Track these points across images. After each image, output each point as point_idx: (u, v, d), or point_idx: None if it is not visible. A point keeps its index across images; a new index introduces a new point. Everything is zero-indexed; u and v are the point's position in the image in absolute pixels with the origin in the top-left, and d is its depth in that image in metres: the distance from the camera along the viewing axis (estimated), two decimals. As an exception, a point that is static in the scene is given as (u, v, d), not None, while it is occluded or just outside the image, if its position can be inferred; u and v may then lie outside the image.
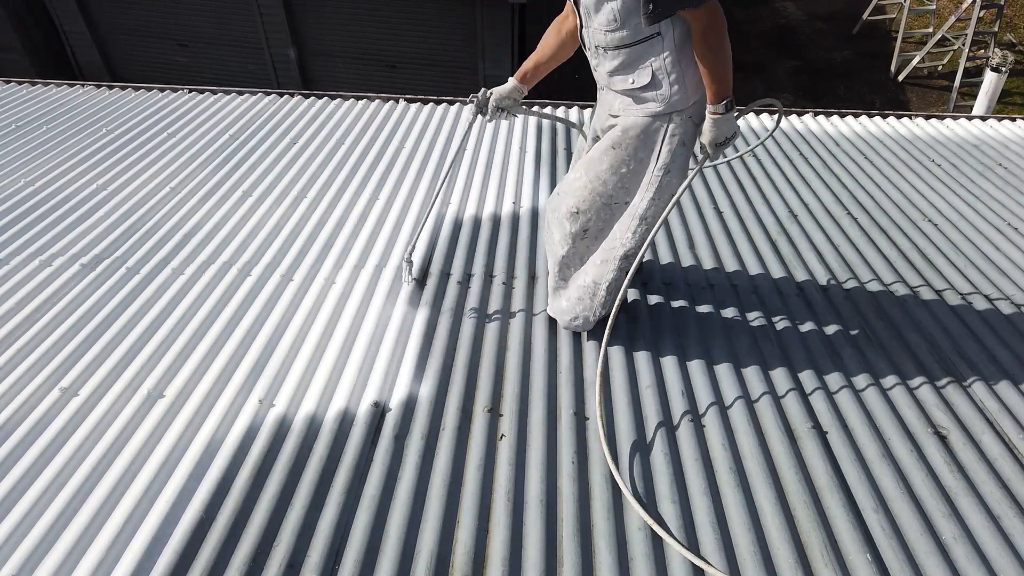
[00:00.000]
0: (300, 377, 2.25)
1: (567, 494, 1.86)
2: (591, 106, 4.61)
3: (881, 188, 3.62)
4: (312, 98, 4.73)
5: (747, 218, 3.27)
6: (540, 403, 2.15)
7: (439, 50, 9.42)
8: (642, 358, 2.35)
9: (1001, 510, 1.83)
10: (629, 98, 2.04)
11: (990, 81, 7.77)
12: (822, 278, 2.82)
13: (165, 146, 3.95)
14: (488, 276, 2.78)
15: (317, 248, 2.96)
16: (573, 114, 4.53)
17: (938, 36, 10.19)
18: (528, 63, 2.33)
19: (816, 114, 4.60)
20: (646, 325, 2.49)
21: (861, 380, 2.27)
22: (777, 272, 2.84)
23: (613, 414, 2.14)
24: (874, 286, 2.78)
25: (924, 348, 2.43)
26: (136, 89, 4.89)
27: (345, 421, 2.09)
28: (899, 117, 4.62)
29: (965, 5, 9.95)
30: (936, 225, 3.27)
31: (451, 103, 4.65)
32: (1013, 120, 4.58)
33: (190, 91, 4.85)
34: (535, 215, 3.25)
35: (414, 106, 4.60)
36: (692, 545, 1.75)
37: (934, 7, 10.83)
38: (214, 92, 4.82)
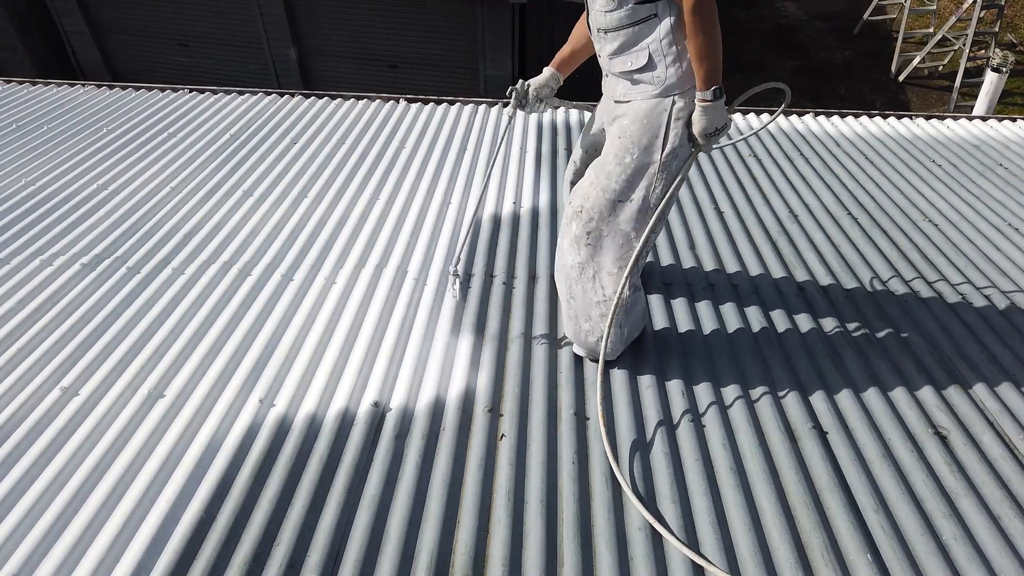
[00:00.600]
0: (300, 377, 2.25)
1: (567, 494, 1.86)
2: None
3: (882, 188, 3.62)
4: (313, 98, 4.73)
5: (747, 218, 3.27)
6: (540, 403, 2.15)
7: (439, 50, 9.43)
8: (642, 359, 2.35)
9: (1001, 510, 1.83)
10: (628, 81, 2.01)
11: (991, 81, 7.77)
12: (823, 278, 2.82)
13: (166, 146, 3.95)
14: (488, 276, 2.78)
15: (317, 248, 2.96)
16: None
17: (939, 36, 10.19)
18: (563, 51, 2.32)
19: (817, 114, 4.60)
20: (646, 325, 2.49)
21: (861, 380, 2.27)
22: (778, 272, 2.84)
23: (613, 414, 2.14)
24: (875, 286, 2.78)
25: (924, 348, 2.43)
26: (136, 89, 4.89)
27: (345, 421, 2.09)
28: (899, 117, 4.62)
29: (966, 5, 9.95)
30: (937, 225, 3.27)
31: (451, 103, 4.65)
32: (1014, 120, 4.57)
33: (190, 91, 4.85)
34: (535, 215, 3.25)
35: (415, 106, 4.60)
36: (693, 545, 1.75)
37: (935, 7, 10.83)
38: (214, 92, 4.82)
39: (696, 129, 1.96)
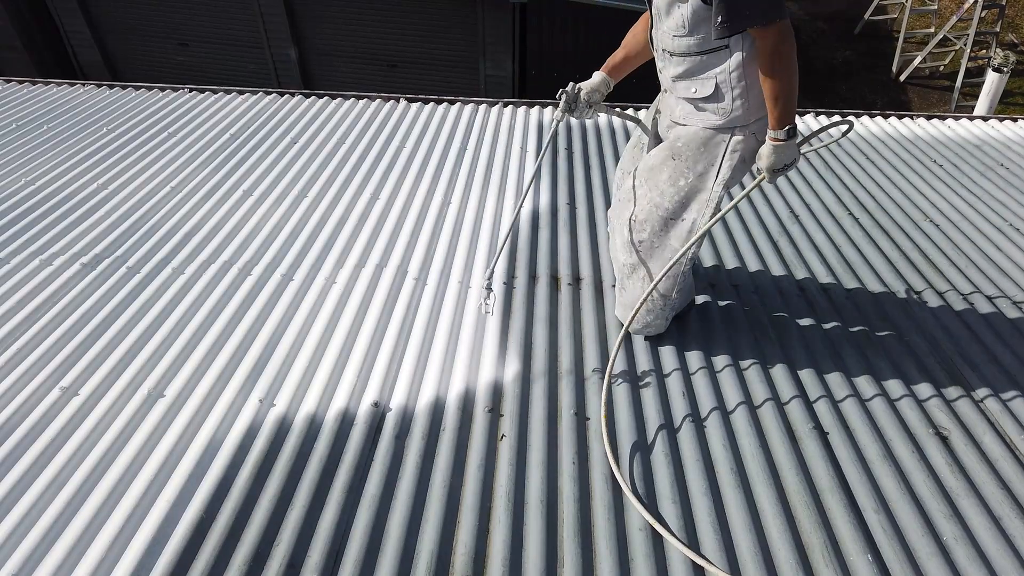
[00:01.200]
0: (300, 377, 2.24)
1: (567, 494, 1.86)
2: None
3: (883, 188, 3.62)
4: (313, 98, 4.73)
5: (748, 218, 3.27)
6: (540, 403, 2.14)
7: (440, 50, 9.43)
8: (643, 358, 2.34)
9: (1002, 511, 1.83)
10: (691, 106, 2.01)
11: (992, 81, 7.76)
12: (824, 278, 2.81)
13: (166, 145, 3.95)
14: (489, 277, 2.77)
15: (318, 248, 2.96)
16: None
17: (939, 36, 10.19)
18: (616, 56, 2.28)
19: (817, 114, 4.59)
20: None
21: (862, 381, 2.26)
22: (779, 272, 2.84)
23: (614, 414, 2.13)
24: (876, 286, 2.78)
25: (925, 349, 2.42)
26: (137, 88, 4.89)
27: (345, 421, 2.09)
28: (900, 117, 4.61)
29: (967, 5, 9.94)
30: (938, 225, 3.27)
31: (452, 103, 4.65)
32: (1015, 120, 4.57)
33: (191, 91, 4.85)
34: (536, 216, 3.24)
35: (415, 106, 4.60)
36: (693, 546, 1.75)
37: (935, 7, 10.83)
38: (215, 91, 4.82)
39: (764, 164, 1.95)
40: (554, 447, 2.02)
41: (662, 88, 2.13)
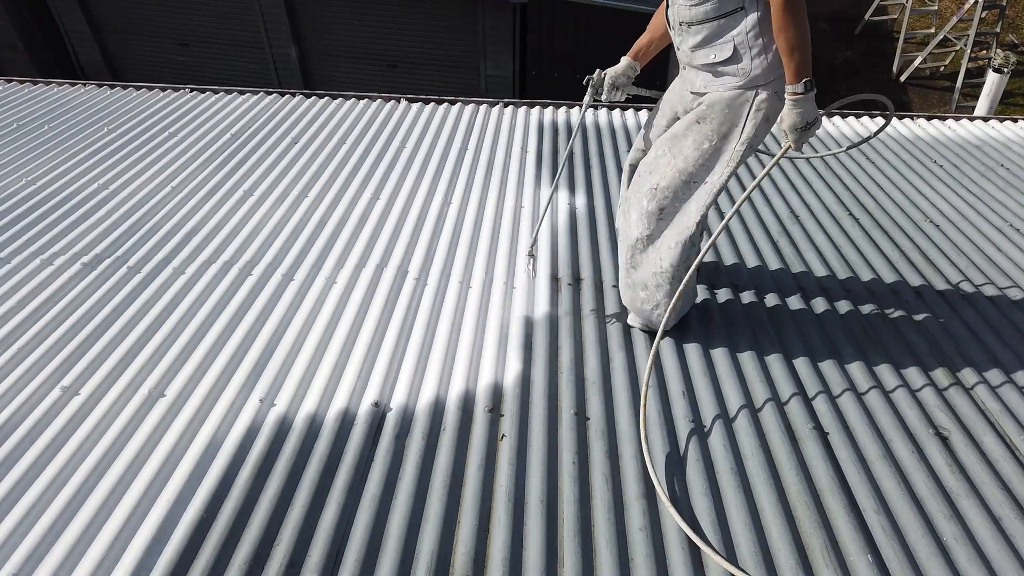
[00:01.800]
0: (301, 377, 2.24)
1: (568, 494, 1.86)
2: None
3: (883, 189, 3.62)
4: (313, 98, 4.73)
5: (748, 218, 3.27)
6: (541, 403, 2.14)
7: (440, 50, 9.44)
8: (642, 358, 2.34)
9: (1003, 511, 1.83)
10: (710, 73, 2.06)
11: (992, 82, 7.76)
12: (824, 279, 2.81)
13: (166, 145, 3.95)
14: (489, 279, 2.78)
15: (318, 248, 2.96)
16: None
17: (940, 37, 10.18)
18: (641, 41, 2.36)
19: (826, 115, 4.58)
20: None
21: (862, 381, 2.26)
22: (778, 272, 2.84)
23: (614, 415, 2.14)
24: (876, 286, 2.78)
25: (925, 349, 2.42)
26: (137, 88, 4.89)
27: (346, 421, 2.09)
28: (901, 118, 4.61)
29: (967, 6, 9.94)
30: (938, 226, 3.27)
31: (452, 103, 4.65)
32: (1015, 121, 4.57)
33: (191, 90, 4.85)
34: (536, 216, 3.24)
35: (415, 106, 4.60)
36: (693, 546, 1.75)
37: (936, 8, 10.82)
38: (215, 91, 4.82)
39: (787, 124, 1.95)
40: (554, 447, 2.02)
41: (681, 65, 2.17)
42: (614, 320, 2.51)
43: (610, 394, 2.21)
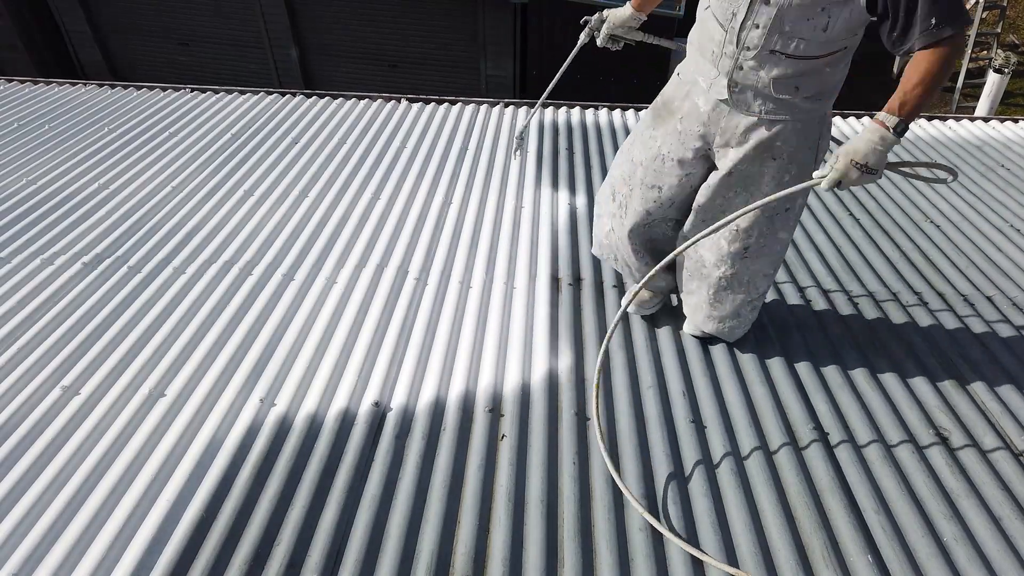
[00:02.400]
0: (301, 377, 2.24)
1: (568, 494, 1.86)
2: (592, 105, 4.61)
3: (883, 189, 3.62)
4: (314, 97, 4.73)
5: (749, 219, 3.26)
6: (541, 403, 2.14)
7: (441, 50, 9.44)
8: (643, 359, 2.34)
9: (1003, 511, 1.83)
10: (778, 103, 1.82)
11: (992, 82, 7.76)
12: (824, 279, 2.81)
13: (167, 145, 3.95)
14: (490, 280, 2.78)
15: (319, 248, 2.96)
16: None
17: (940, 37, 10.16)
18: None
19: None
20: (646, 326, 2.49)
21: (862, 381, 2.26)
22: (778, 273, 2.84)
23: (614, 415, 2.13)
24: (876, 287, 2.77)
25: (925, 349, 2.42)
26: (138, 88, 4.89)
27: (346, 421, 2.09)
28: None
29: (968, 6, 9.94)
30: (938, 226, 3.26)
31: (452, 103, 4.65)
32: (1016, 122, 4.57)
33: (192, 90, 4.85)
34: (536, 216, 3.24)
35: (416, 106, 4.60)
36: (693, 546, 1.75)
37: (936, 8, 10.80)
38: (216, 91, 4.82)
39: (855, 153, 1.67)
40: (554, 447, 2.02)
41: (724, 74, 1.83)
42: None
43: (610, 394, 2.21)
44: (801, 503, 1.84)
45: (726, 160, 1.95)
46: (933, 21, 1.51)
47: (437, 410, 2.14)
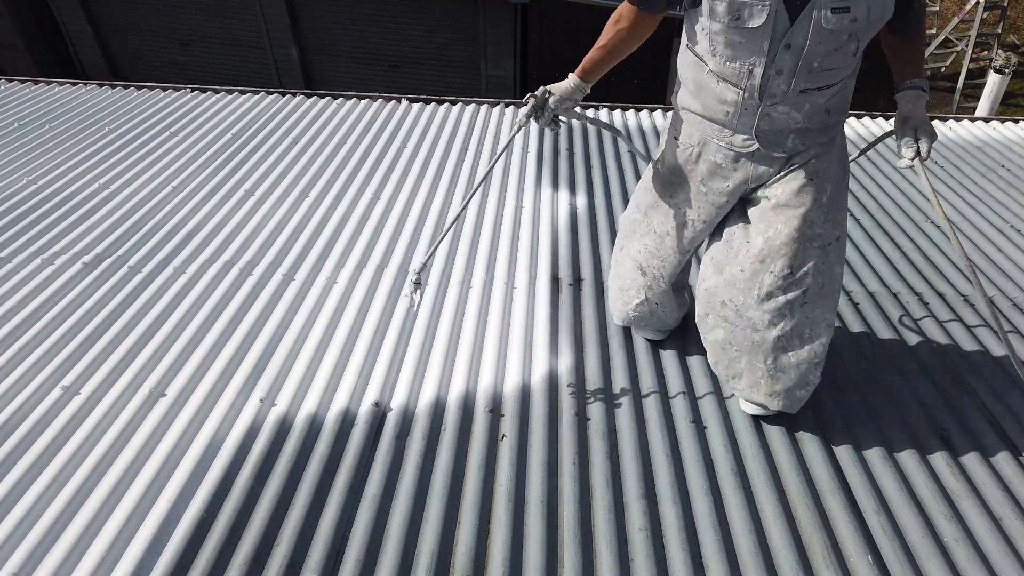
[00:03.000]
0: (301, 377, 2.24)
1: (568, 495, 1.86)
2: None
3: (883, 189, 3.62)
4: (314, 98, 4.73)
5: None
6: (541, 404, 2.14)
7: (441, 50, 9.44)
8: (643, 359, 2.34)
9: (1003, 512, 1.83)
10: (809, 133, 1.77)
11: (993, 83, 7.76)
12: (824, 279, 2.81)
13: (167, 145, 3.95)
14: (490, 280, 2.78)
15: (319, 248, 2.96)
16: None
17: (941, 38, 10.18)
18: (593, 56, 1.93)
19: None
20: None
21: (863, 381, 2.26)
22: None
23: (614, 415, 2.13)
24: (876, 287, 2.77)
25: (926, 349, 2.42)
26: (138, 88, 4.89)
27: (346, 421, 2.09)
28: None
29: (968, 7, 9.94)
30: (939, 227, 3.26)
31: (453, 103, 4.65)
32: (1016, 122, 4.57)
33: (192, 90, 4.85)
34: (537, 216, 3.24)
35: (416, 106, 4.60)
36: (693, 546, 1.75)
37: (937, 8, 10.82)
38: (216, 91, 4.82)
39: (920, 120, 1.76)
40: (555, 447, 2.02)
41: (746, 130, 1.76)
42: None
43: (610, 394, 2.21)
44: (801, 503, 1.84)
45: (763, 196, 1.86)
46: None
47: (437, 410, 2.14)
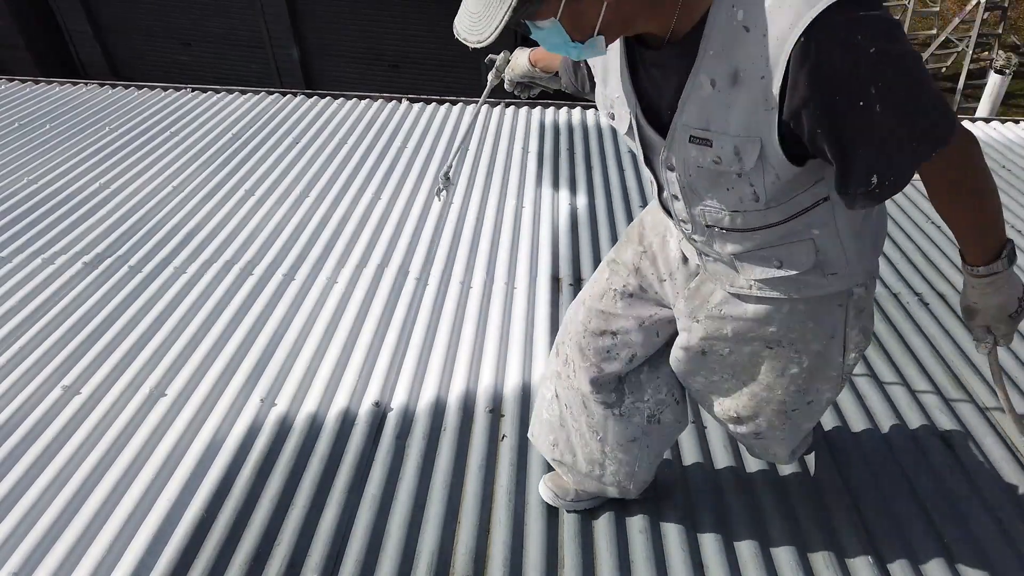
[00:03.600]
0: (302, 376, 2.24)
1: (568, 495, 1.85)
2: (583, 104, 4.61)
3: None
4: (315, 97, 4.73)
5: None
6: (541, 404, 2.14)
7: (441, 50, 9.43)
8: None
9: (1003, 512, 1.83)
10: (763, 280, 1.26)
11: (994, 83, 7.76)
12: (825, 280, 2.81)
13: (168, 145, 3.95)
14: (490, 280, 2.78)
15: (319, 248, 2.96)
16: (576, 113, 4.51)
17: (942, 38, 10.18)
18: (540, 51, 1.70)
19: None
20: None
21: (863, 382, 2.26)
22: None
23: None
24: (876, 288, 2.77)
25: (926, 350, 2.42)
26: (139, 88, 4.89)
27: (346, 421, 2.09)
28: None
29: (969, 7, 9.94)
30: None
31: (453, 103, 4.65)
32: (1017, 123, 4.57)
33: (193, 90, 4.85)
34: (537, 216, 3.24)
35: (416, 106, 4.60)
36: (693, 546, 1.75)
37: (938, 9, 10.82)
38: (217, 91, 4.82)
39: (989, 317, 1.21)
40: (555, 448, 2.01)
41: (684, 236, 1.33)
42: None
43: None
44: (802, 504, 1.84)
45: (693, 334, 1.41)
46: (913, 147, 0.97)
47: (437, 410, 2.14)
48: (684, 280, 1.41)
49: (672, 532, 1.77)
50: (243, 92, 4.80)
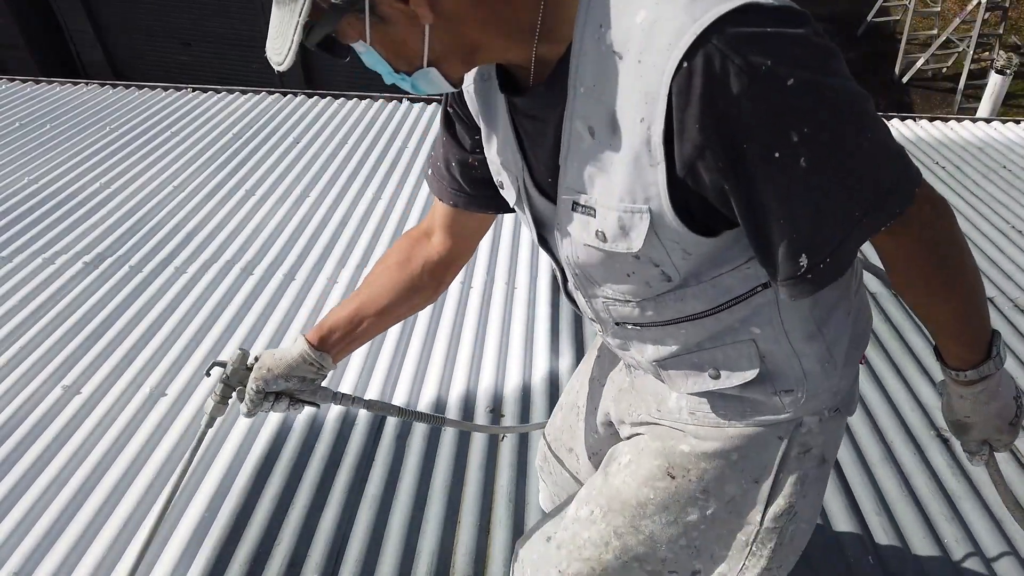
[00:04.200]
0: (302, 376, 2.24)
1: (568, 495, 1.86)
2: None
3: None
4: (315, 97, 4.73)
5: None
6: (541, 404, 2.14)
7: (442, 50, 9.42)
8: (644, 359, 2.34)
9: (1003, 513, 1.83)
10: (705, 398, 0.98)
11: (995, 83, 7.76)
12: (825, 280, 2.81)
13: (168, 145, 3.96)
14: (491, 280, 2.78)
15: (320, 248, 2.96)
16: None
17: (943, 38, 10.18)
18: (339, 314, 1.17)
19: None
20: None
21: (863, 382, 2.26)
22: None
23: (615, 415, 2.13)
24: (876, 287, 2.77)
25: (926, 349, 2.42)
26: (139, 88, 4.89)
27: (347, 421, 2.09)
28: (903, 119, 4.61)
29: (970, 7, 9.93)
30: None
31: (454, 103, 4.64)
32: (1018, 123, 4.56)
33: (193, 90, 4.85)
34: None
35: (417, 106, 4.60)
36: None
37: (939, 9, 10.82)
38: (217, 91, 4.82)
39: (988, 430, 0.98)
40: (555, 448, 2.01)
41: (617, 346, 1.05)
42: None
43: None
44: (802, 504, 1.84)
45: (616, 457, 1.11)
46: (856, 213, 0.70)
47: (438, 410, 2.14)
48: (628, 387, 1.14)
49: (672, 532, 1.77)
50: (243, 92, 4.80)
